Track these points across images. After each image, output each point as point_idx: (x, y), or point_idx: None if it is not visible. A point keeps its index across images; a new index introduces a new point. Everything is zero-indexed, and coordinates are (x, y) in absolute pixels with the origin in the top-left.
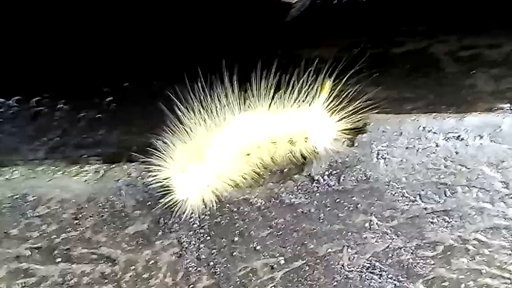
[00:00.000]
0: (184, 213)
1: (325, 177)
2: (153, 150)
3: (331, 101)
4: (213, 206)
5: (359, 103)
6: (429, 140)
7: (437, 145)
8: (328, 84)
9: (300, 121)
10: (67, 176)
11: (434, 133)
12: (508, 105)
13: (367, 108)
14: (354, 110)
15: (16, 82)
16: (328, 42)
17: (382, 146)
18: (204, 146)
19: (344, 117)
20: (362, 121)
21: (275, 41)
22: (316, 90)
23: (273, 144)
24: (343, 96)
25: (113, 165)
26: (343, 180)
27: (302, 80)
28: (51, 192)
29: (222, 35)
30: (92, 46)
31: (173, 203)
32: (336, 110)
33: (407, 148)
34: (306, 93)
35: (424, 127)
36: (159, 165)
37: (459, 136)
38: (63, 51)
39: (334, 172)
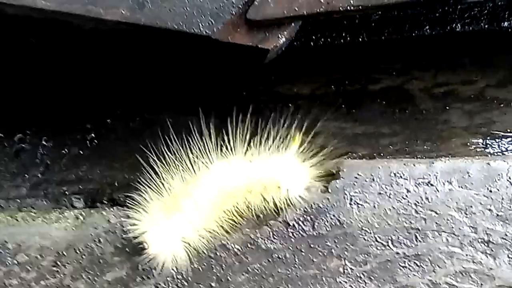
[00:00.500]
0: (159, 264)
1: (300, 222)
2: (130, 199)
3: (305, 148)
4: (188, 257)
5: (332, 148)
6: (400, 186)
7: (408, 191)
8: (298, 136)
9: (274, 170)
10: (47, 223)
11: (405, 179)
12: (481, 140)
13: (341, 151)
14: (327, 156)
15: None
16: (306, 80)
17: (355, 192)
18: (179, 198)
19: (317, 164)
20: (335, 167)
21: (252, 80)
22: (291, 136)
23: (248, 192)
24: (316, 142)
25: (93, 211)
26: (317, 225)
27: (277, 125)
28: (31, 239)
29: (201, 79)
30: (75, 83)
31: (148, 257)
32: (309, 156)
33: (379, 194)
34: (281, 139)
35: (395, 173)
36: (135, 219)
37: (429, 182)
38: (46, 88)
39: (309, 217)
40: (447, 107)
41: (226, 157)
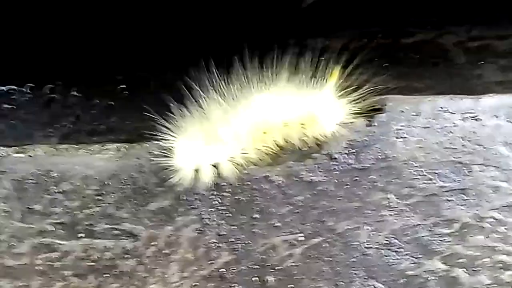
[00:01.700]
0: (203, 189)
1: (344, 155)
2: (168, 130)
3: (343, 85)
4: (231, 184)
5: (370, 86)
6: (447, 120)
7: (454, 125)
8: (336, 71)
9: (311, 105)
10: (89, 154)
11: (452, 113)
12: None
13: (377, 92)
14: (366, 93)
15: (30, 69)
16: (339, 32)
17: (401, 126)
18: (219, 126)
19: (356, 99)
20: (380, 102)
21: (288, 30)
22: (326, 76)
23: (286, 126)
24: (354, 80)
25: (135, 144)
26: (361, 158)
27: (314, 66)
28: (74, 169)
29: (238, 20)
30: (105, 33)
31: (185, 181)
32: (347, 93)
33: (425, 127)
34: (317, 78)
35: (441, 107)
36: (173, 144)
37: (475, 116)
38: (76, 38)
39: (353, 150)
40: (481, 62)
41: (265, 91)
